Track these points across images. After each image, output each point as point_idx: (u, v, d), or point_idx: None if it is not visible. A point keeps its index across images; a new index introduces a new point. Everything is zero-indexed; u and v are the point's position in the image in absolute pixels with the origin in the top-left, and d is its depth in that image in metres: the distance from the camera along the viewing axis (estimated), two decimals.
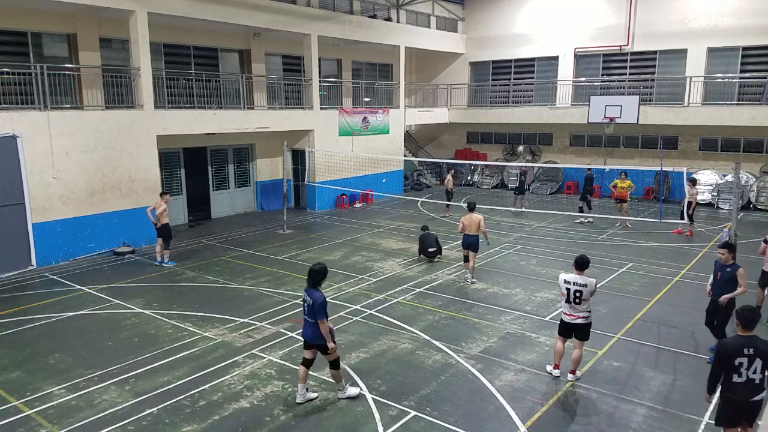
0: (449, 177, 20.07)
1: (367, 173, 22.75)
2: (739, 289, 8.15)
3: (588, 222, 18.42)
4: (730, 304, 8.23)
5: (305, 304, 7.11)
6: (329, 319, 7.14)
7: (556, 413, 7.13)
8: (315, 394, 7.46)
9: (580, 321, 7.72)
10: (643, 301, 11.08)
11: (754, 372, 5.60)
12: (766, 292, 10.35)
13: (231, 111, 17.79)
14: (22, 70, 13.53)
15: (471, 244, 12.19)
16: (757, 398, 5.67)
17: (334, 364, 7.23)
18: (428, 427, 6.79)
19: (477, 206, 12.52)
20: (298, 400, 7.30)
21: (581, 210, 18.56)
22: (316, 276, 7.08)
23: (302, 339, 7.30)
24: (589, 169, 18.88)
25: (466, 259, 12.41)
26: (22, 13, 14.49)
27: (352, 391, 7.43)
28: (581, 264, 7.74)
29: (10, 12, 14.28)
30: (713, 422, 6.83)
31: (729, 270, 8.25)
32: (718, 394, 5.91)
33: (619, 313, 10.41)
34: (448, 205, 19.43)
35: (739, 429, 5.78)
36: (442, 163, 27.19)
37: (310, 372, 8.14)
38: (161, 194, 13.88)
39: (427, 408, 7.21)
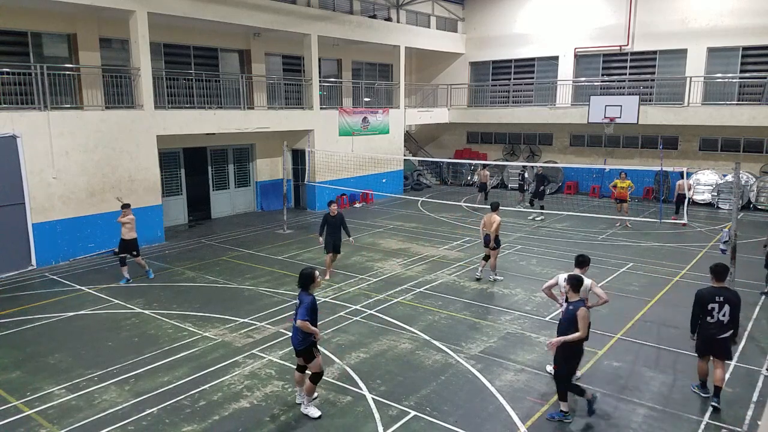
0: (486, 173, 21.40)
1: (367, 173, 22.75)
2: (575, 334, 6.67)
3: (540, 219, 18.73)
4: (570, 351, 6.84)
5: (296, 309, 6.94)
6: (317, 326, 6.96)
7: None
8: (315, 394, 7.42)
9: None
10: (643, 301, 11.08)
11: (723, 315, 7.10)
12: None
13: (231, 111, 17.79)
14: (22, 70, 13.53)
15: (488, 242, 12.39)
16: (724, 335, 7.14)
17: (313, 377, 6.99)
18: (428, 427, 6.79)
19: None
20: (297, 401, 7.28)
21: (541, 207, 18.84)
22: (304, 279, 6.93)
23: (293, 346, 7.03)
24: (541, 168, 19.98)
25: (487, 257, 12.52)
26: (22, 13, 14.49)
27: (312, 411, 7.01)
28: (582, 262, 7.77)
29: (10, 12, 14.28)
30: (712, 421, 6.88)
31: (571, 308, 6.82)
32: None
33: (619, 313, 10.41)
34: (485, 197, 20.91)
35: (712, 359, 7.30)
36: (443, 163, 27.24)
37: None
38: (124, 206, 12.37)
39: (427, 408, 7.21)
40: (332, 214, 12.40)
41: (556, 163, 24.87)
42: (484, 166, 21.86)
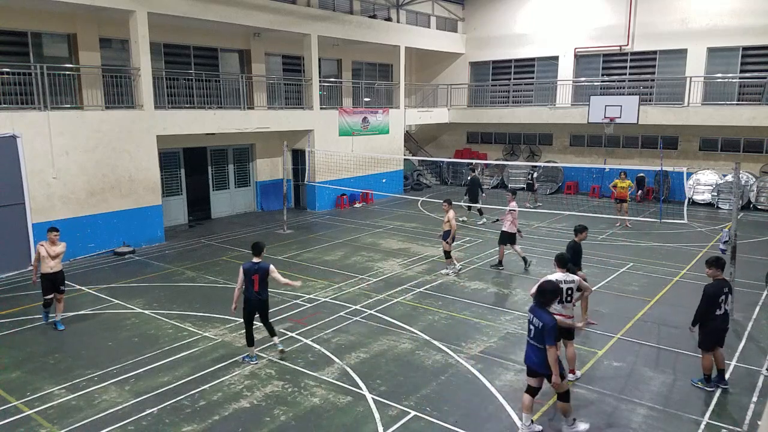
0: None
1: (367, 173, 22.76)
2: (283, 280, 8.42)
3: (491, 221, 18.55)
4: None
5: (531, 326, 6.44)
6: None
7: (556, 413, 7.12)
8: (539, 427, 6.70)
9: (569, 321, 7.71)
10: (643, 301, 11.08)
11: (728, 305, 7.60)
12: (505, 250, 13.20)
13: (231, 111, 17.78)
14: (22, 70, 13.52)
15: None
16: (728, 326, 7.71)
17: (563, 396, 6.48)
18: (428, 427, 6.79)
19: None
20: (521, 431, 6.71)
21: (479, 211, 18.67)
22: (547, 296, 6.47)
23: (527, 365, 6.59)
24: (473, 170, 20.32)
25: (447, 254, 12.96)
26: (22, 13, 14.49)
27: (581, 427, 6.59)
28: (564, 261, 7.77)
29: (10, 12, 14.28)
30: (712, 421, 6.88)
31: (262, 267, 8.34)
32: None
33: (619, 313, 10.41)
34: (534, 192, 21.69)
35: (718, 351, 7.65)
36: (442, 162, 27.24)
37: (306, 371, 8.17)
38: (50, 230, 9.91)
39: (427, 408, 7.21)
40: (579, 240, 9.89)
41: (556, 163, 24.87)
42: (534, 167, 22.17)
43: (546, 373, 6.36)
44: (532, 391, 6.59)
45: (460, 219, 18.30)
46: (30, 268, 12.33)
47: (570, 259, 9.05)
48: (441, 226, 13.19)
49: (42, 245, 9.74)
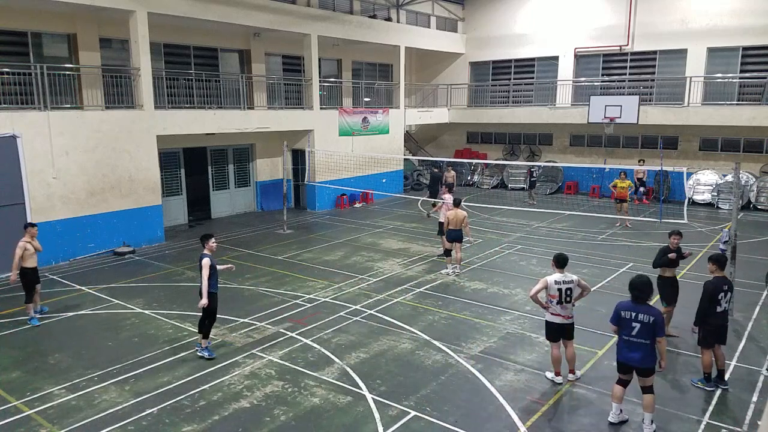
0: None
1: (367, 173, 22.76)
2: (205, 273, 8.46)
3: (426, 214, 18.89)
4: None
5: (634, 323, 6.48)
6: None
7: (556, 413, 7.13)
8: (626, 417, 6.96)
9: (570, 321, 7.72)
10: None
11: (728, 302, 7.60)
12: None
13: (231, 111, 17.78)
14: (22, 70, 13.52)
15: (457, 237, 12.77)
16: (728, 323, 7.72)
17: (652, 389, 6.64)
18: (428, 427, 6.79)
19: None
20: (613, 419, 6.85)
21: (433, 206, 18.76)
22: (646, 289, 6.52)
23: (624, 363, 6.68)
24: (436, 168, 20.40)
25: (448, 253, 12.95)
26: (22, 13, 14.49)
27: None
28: (563, 262, 7.79)
29: (10, 12, 14.27)
30: (712, 421, 6.88)
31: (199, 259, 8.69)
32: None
33: None
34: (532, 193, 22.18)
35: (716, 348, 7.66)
36: (442, 162, 27.23)
37: (306, 371, 8.17)
38: (28, 226, 10.42)
39: (427, 408, 7.21)
40: (673, 246, 9.02)
41: (556, 163, 24.86)
42: (531, 167, 22.64)
43: (648, 366, 6.56)
44: (625, 383, 6.83)
45: (429, 214, 18.65)
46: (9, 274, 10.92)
47: (658, 263, 9.19)
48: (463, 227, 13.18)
49: (28, 242, 10.05)
